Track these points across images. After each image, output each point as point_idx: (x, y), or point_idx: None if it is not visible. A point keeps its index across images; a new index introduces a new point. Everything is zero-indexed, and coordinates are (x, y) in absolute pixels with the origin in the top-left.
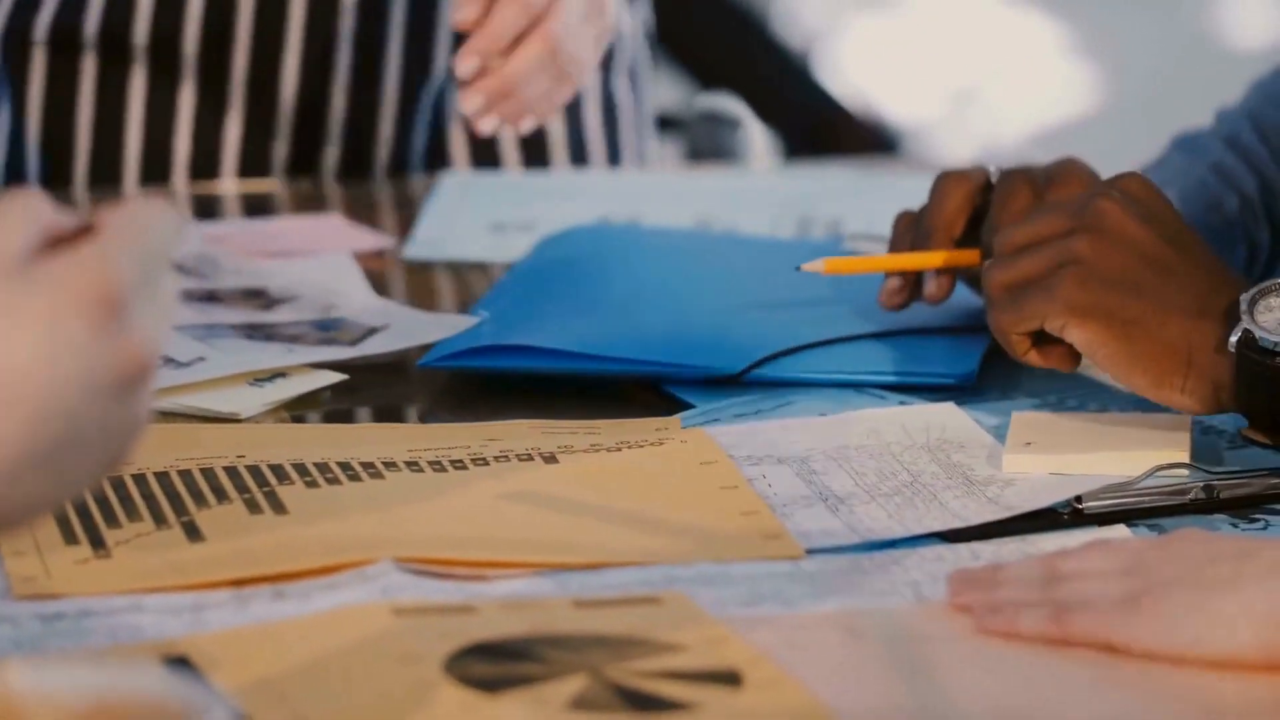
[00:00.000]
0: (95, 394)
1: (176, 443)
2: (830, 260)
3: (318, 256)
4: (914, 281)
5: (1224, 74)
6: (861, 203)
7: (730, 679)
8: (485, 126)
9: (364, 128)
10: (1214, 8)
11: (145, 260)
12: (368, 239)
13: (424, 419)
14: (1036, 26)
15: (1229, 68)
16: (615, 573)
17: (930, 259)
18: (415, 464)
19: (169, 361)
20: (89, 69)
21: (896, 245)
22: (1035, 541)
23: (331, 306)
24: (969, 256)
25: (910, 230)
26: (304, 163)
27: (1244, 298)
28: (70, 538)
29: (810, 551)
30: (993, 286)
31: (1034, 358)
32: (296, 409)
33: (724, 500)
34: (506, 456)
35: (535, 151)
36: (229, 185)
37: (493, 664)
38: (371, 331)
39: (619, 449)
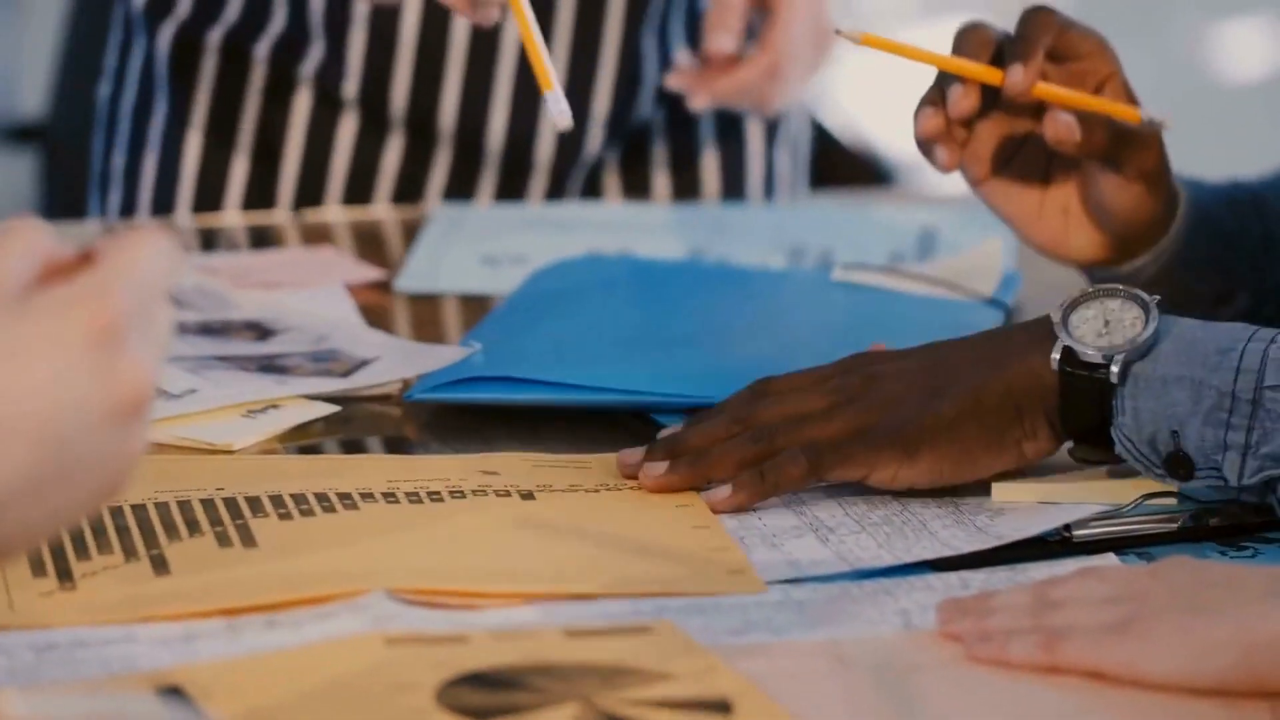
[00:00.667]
0: (92, 424)
1: (158, 475)
2: (867, 35)
3: (311, 289)
4: (980, 92)
5: (1218, 106)
6: (853, 235)
7: (720, 708)
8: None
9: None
10: (1208, 40)
11: (142, 291)
12: (362, 272)
13: (416, 450)
14: None
15: (1223, 100)
16: (605, 603)
17: (965, 65)
18: (392, 495)
19: (161, 393)
20: (255, 83)
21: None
22: (1025, 570)
23: (325, 338)
24: (995, 75)
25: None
26: (464, 188)
27: (1055, 313)
28: (38, 569)
29: (800, 581)
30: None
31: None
32: (290, 440)
33: (695, 538)
34: (484, 491)
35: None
36: (233, 217)
37: (485, 694)
38: (364, 363)
39: (597, 490)
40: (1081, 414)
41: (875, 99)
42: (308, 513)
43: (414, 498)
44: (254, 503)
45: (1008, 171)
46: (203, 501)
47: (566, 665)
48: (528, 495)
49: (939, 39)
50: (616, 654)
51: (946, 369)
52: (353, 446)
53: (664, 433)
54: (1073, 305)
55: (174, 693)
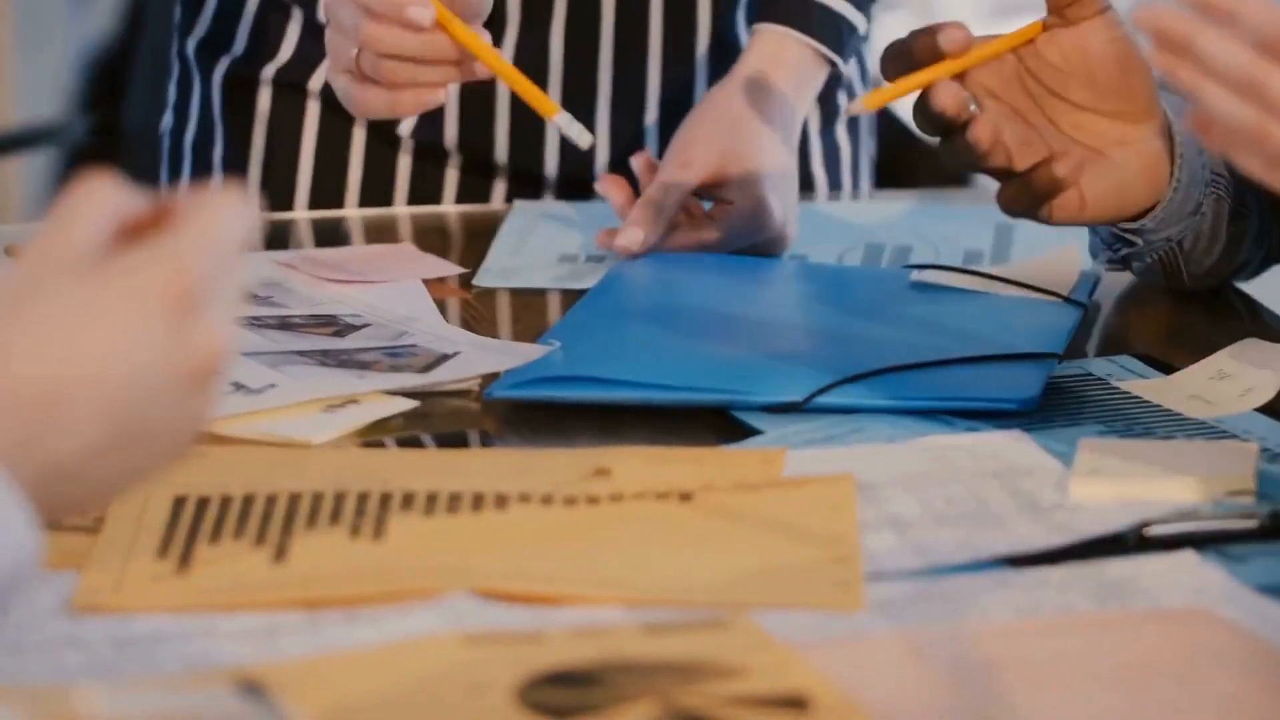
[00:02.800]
0: (165, 390)
1: (276, 464)
2: (869, 97)
3: (389, 284)
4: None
5: None
6: (929, 233)
7: (797, 703)
8: None
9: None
10: None
11: (218, 252)
12: (439, 267)
13: (492, 445)
14: None
15: None
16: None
17: (953, 66)
18: (527, 497)
19: (240, 388)
20: (311, 121)
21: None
22: (1102, 567)
23: (402, 333)
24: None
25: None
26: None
27: None
28: (163, 551)
29: (877, 576)
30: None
31: None
32: (368, 435)
33: (820, 546)
34: (643, 495)
35: None
36: (300, 213)
37: (563, 692)
38: (443, 358)
39: (758, 489)
40: None
41: None
42: (440, 512)
43: (548, 500)
44: (385, 498)
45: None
46: (335, 495)
47: (644, 662)
48: (687, 496)
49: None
50: (694, 650)
51: None
52: (431, 443)
53: None
54: None
55: (254, 689)
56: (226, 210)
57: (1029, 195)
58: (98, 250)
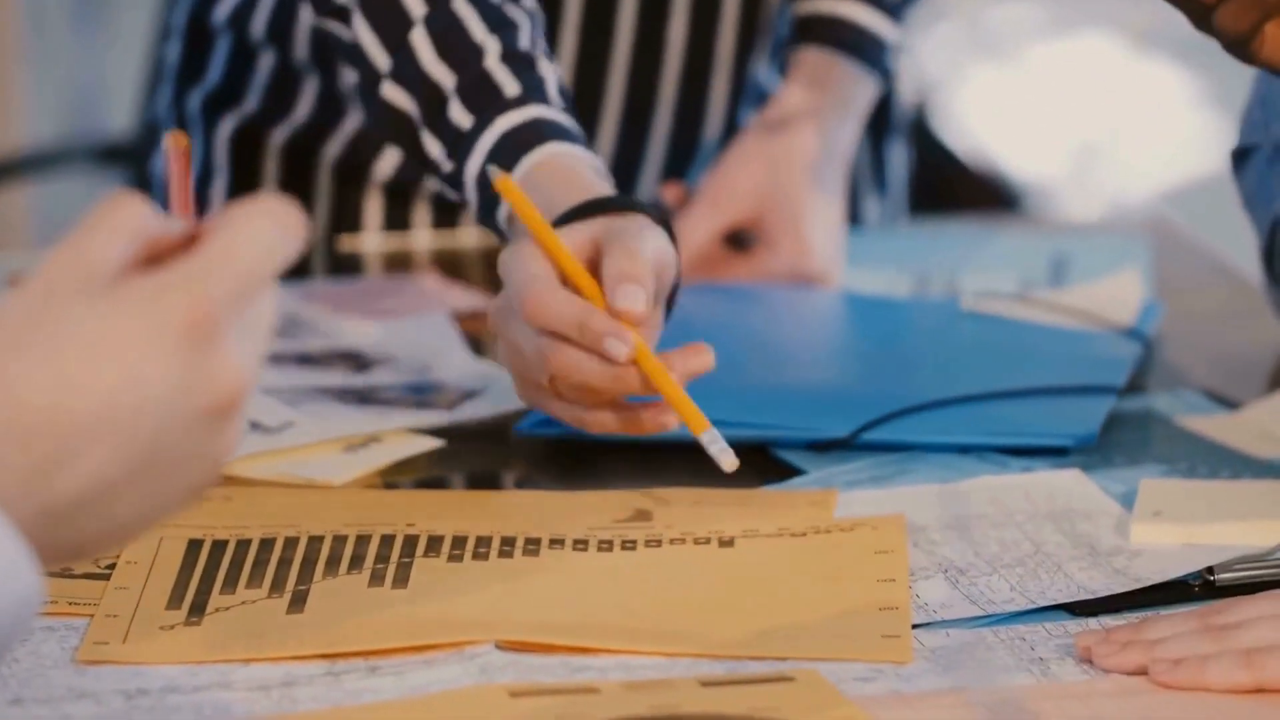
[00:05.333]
0: (182, 423)
1: (294, 506)
2: None
3: (414, 317)
4: None
5: None
6: (981, 261)
7: None
8: None
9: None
10: None
11: (243, 279)
12: (464, 299)
13: (522, 486)
14: (1166, 77)
15: None
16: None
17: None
18: (559, 542)
19: (257, 427)
20: (323, 184)
21: None
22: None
23: (427, 369)
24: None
25: None
26: None
27: None
28: (175, 600)
29: (929, 625)
30: None
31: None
32: (391, 476)
33: (868, 593)
34: (682, 540)
35: None
36: (319, 243)
37: None
38: (469, 395)
39: (804, 535)
40: None
41: (1001, 121)
42: (467, 557)
43: (581, 546)
44: (411, 542)
45: None
46: (357, 539)
47: (701, 716)
48: (728, 543)
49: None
50: (753, 704)
51: None
52: (457, 483)
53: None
54: None
55: None
56: (258, 227)
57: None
58: (115, 271)
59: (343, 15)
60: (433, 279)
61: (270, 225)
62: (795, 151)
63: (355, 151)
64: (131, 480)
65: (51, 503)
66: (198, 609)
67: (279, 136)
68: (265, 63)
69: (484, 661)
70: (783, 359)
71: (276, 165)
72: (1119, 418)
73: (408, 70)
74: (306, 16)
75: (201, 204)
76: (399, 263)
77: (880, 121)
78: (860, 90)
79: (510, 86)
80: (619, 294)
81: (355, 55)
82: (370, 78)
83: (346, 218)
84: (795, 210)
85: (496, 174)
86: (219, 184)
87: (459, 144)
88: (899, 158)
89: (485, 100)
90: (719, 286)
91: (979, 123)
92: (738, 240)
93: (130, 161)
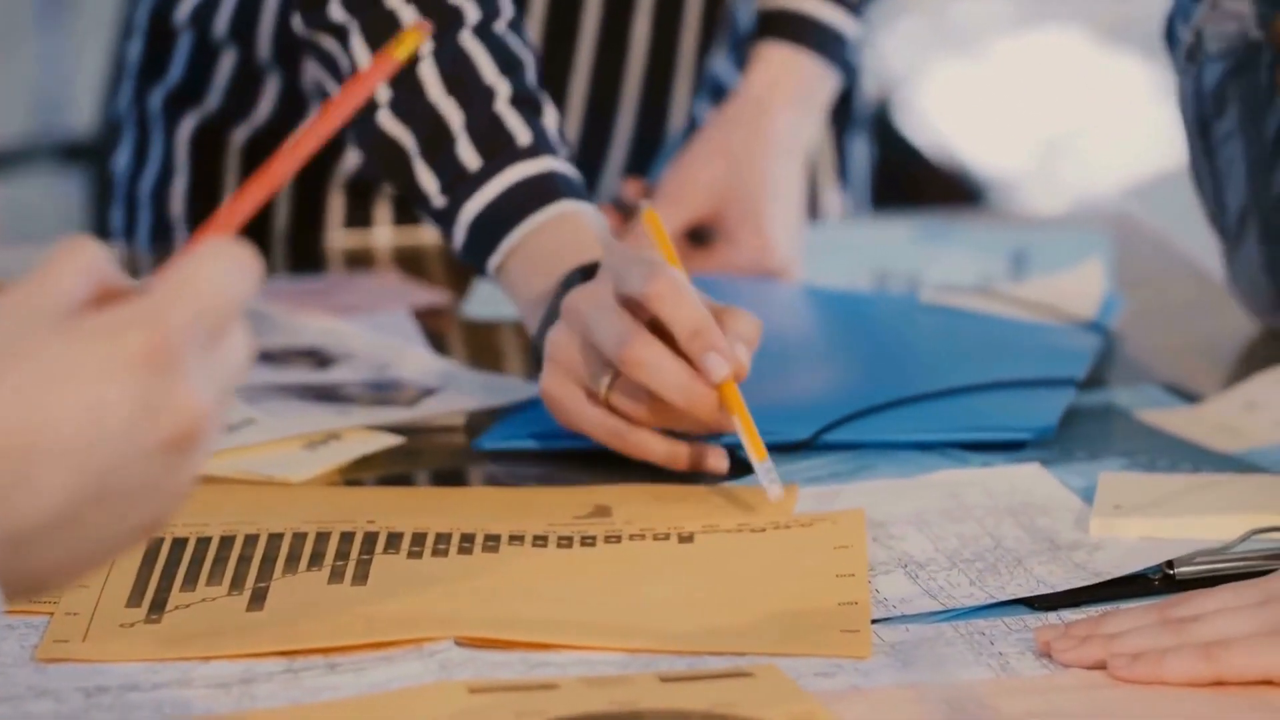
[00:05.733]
0: (138, 455)
1: (254, 503)
2: None
3: (375, 314)
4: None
5: None
6: (941, 255)
7: None
8: None
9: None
10: None
11: (204, 314)
12: (425, 296)
13: (483, 483)
14: (1131, 71)
15: None
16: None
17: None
18: (519, 538)
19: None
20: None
21: None
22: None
23: (387, 366)
24: None
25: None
26: None
27: None
28: (135, 598)
29: (889, 620)
30: None
31: None
32: (352, 473)
33: (828, 589)
34: (642, 535)
35: None
36: (279, 240)
37: None
38: (429, 393)
39: (764, 530)
40: None
41: (966, 115)
42: (426, 554)
43: (540, 542)
44: (371, 539)
45: None
46: (319, 534)
47: (659, 711)
48: (687, 538)
49: (1029, 50)
50: (713, 700)
51: None
52: (419, 480)
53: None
54: None
55: None
56: (216, 264)
57: None
58: (75, 306)
59: (339, 34)
60: (393, 276)
61: (227, 263)
62: (755, 146)
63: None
64: (90, 510)
65: (13, 528)
66: (158, 607)
67: (240, 135)
68: (227, 61)
69: (443, 658)
70: None
71: (238, 164)
72: (1079, 411)
73: (410, 102)
74: (270, 15)
75: (162, 202)
76: (361, 260)
77: (842, 115)
78: (821, 85)
79: (523, 134)
80: (740, 351)
81: (349, 72)
82: (366, 104)
83: (308, 215)
84: (755, 205)
85: (645, 206)
86: (179, 182)
87: (461, 183)
88: (861, 152)
89: (498, 145)
90: None
91: (943, 117)
92: (699, 235)
93: (92, 159)
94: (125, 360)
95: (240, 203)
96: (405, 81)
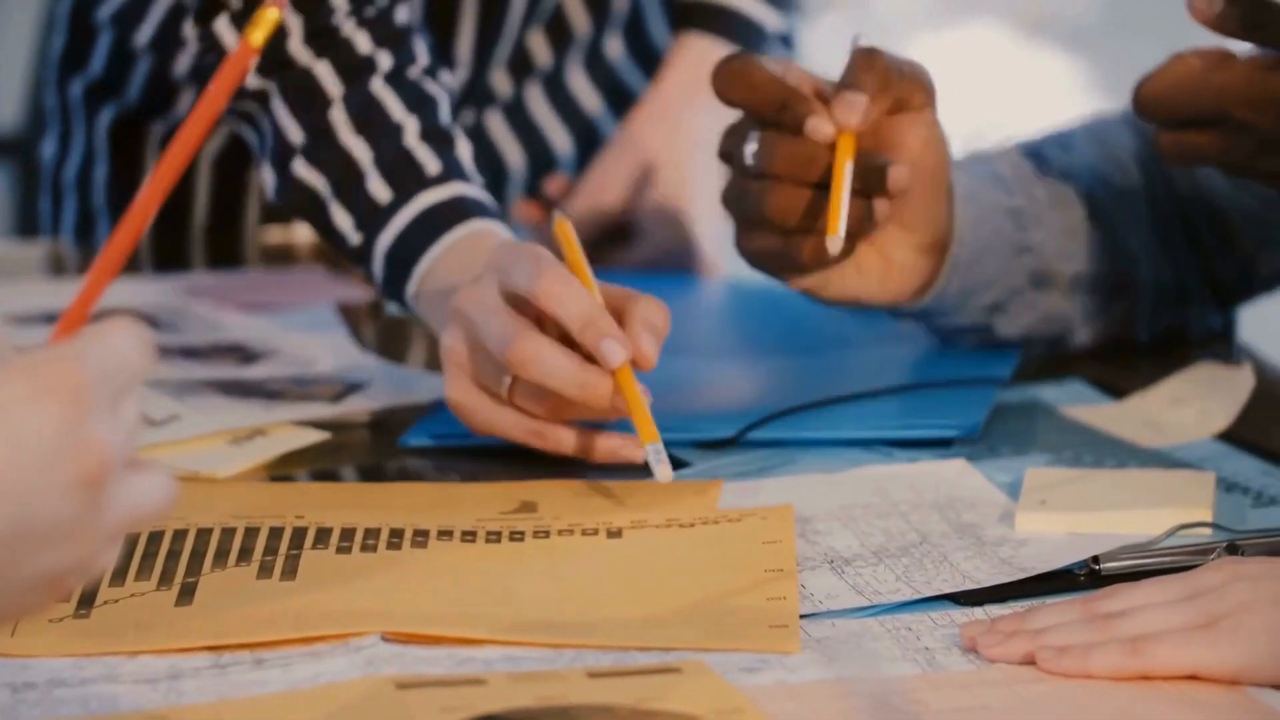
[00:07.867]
0: (55, 488)
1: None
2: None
3: (298, 309)
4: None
5: None
6: None
7: None
8: None
9: None
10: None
11: (114, 376)
12: (350, 292)
13: (406, 478)
14: (1054, 64)
15: None
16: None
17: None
18: (448, 533)
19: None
20: (201, 189)
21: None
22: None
23: (311, 361)
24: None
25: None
26: None
27: None
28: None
29: (815, 616)
30: None
31: None
32: (277, 468)
33: (756, 584)
34: (570, 531)
35: None
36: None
37: None
38: (353, 388)
39: (692, 525)
40: None
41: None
42: (355, 549)
43: (469, 537)
44: (300, 534)
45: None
46: (248, 530)
47: (584, 707)
48: (616, 534)
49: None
50: (640, 695)
51: None
52: (344, 475)
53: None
54: None
55: None
56: (120, 336)
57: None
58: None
59: (260, 98)
60: (318, 272)
61: (132, 339)
62: (676, 140)
63: (237, 144)
64: (14, 544)
65: None
66: (86, 601)
67: (159, 130)
68: (145, 66)
69: (370, 653)
70: (665, 349)
71: (157, 154)
72: (1005, 408)
73: (322, 147)
74: (191, 40)
75: (85, 189)
76: (283, 255)
77: None
78: None
79: (431, 164)
80: (643, 339)
81: (270, 130)
82: (284, 152)
83: (228, 210)
84: (676, 201)
85: (558, 216)
86: (100, 171)
87: (373, 217)
88: None
89: (406, 177)
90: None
91: None
92: (620, 232)
93: (17, 152)
94: (49, 396)
95: (132, 218)
96: (317, 128)
